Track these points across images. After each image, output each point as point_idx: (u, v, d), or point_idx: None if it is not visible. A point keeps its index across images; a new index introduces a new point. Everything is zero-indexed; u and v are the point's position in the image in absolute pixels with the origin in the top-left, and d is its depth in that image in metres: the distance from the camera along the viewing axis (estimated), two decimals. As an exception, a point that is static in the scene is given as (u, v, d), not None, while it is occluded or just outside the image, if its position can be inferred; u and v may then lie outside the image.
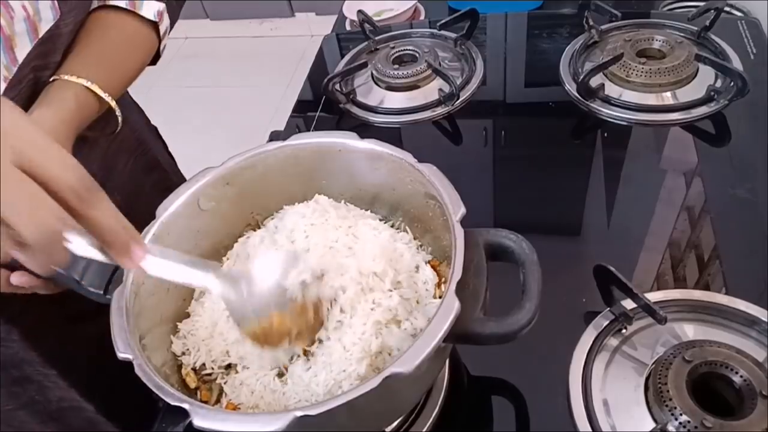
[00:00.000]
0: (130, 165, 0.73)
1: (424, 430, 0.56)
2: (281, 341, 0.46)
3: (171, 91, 2.50)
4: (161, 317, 0.52)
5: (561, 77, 0.90)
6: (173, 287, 0.53)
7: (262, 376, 0.48)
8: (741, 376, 0.50)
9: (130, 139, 0.73)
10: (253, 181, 0.58)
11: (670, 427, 0.49)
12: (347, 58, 1.03)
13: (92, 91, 0.55)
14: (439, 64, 0.93)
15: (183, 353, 0.52)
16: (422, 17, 1.24)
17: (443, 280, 0.53)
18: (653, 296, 0.57)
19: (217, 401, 0.51)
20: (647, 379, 0.53)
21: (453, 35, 1.00)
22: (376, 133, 0.89)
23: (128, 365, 0.43)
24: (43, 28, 0.53)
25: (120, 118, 0.61)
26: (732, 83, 0.80)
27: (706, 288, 0.61)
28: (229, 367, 0.51)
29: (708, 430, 0.47)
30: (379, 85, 0.95)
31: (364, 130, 0.56)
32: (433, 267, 0.55)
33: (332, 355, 0.47)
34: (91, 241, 0.38)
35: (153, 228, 0.52)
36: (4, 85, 0.51)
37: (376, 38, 1.03)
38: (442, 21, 1.00)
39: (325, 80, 0.92)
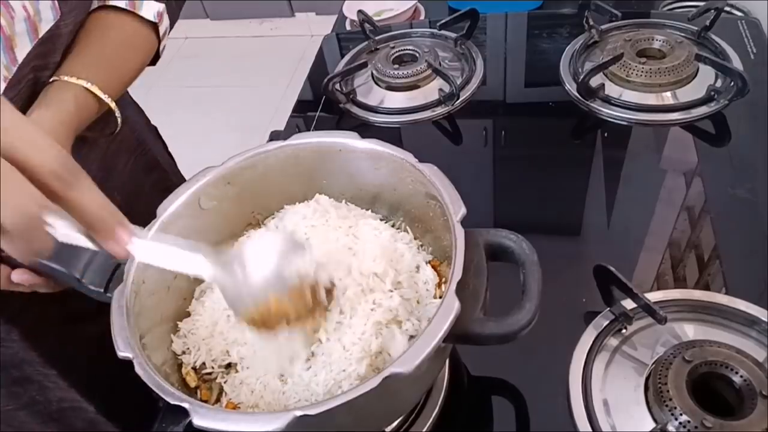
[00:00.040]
0: (130, 165, 0.73)
1: (424, 430, 0.56)
2: (279, 325, 0.45)
3: (171, 91, 2.50)
4: (162, 316, 0.52)
5: (561, 77, 0.90)
6: (174, 286, 0.53)
7: (262, 376, 0.48)
8: (741, 376, 0.50)
9: (129, 139, 0.73)
10: (253, 181, 0.58)
11: (670, 427, 0.49)
12: (347, 58, 1.03)
13: (91, 92, 0.55)
14: (439, 64, 0.93)
15: (183, 352, 0.52)
16: (422, 17, 1.24)
17: (444, 280, 0.53)
18: (653, 296, 0.57)
19: (217, 400, 0.51)
20: (647, 379, 0.53)
21: (453, 35, 1.00)
22: (376, 133, 0.89)
23: (129, 365, 0.43)
24: (43, 28, 0.53)
25: (119, 119, 0.61)
26: (732, 83, 0.80)
27: (706, 288, 0.61)
28: (229, 366, 0.51)
29: (708, 430, 0.47)
30: (379, 85, 0.95)
31: (364, 130, 0.56)
32: (433, 267, 0.55)
33: (332, 354, 0.47)
34: (75, 226, 0.37)
35: (153, 227, 0.52)
36: (3, 85, 0.51)
37: (376, 38, 1.03)
38: (442, 21, 1.00)
39: (325, 80, 0.92)
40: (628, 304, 0.57)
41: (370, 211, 0.59)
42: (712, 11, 0.87)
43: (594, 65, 0.85)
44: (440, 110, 0.90)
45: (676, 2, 1.13)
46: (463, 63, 0.97)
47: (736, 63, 0.84)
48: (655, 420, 0.50)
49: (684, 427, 0.48)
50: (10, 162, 0.32)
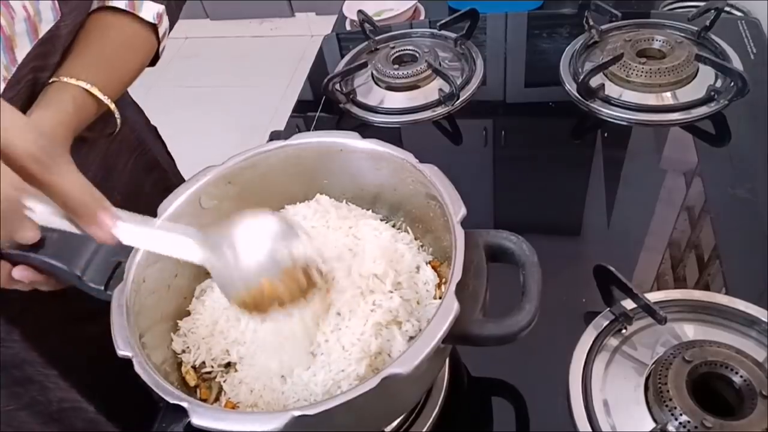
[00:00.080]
0: (130, 165, 0.73)
1: (424, 430, 0.56)
2: (272, 308, 0.44)
3: (171, 91, 2.50)
4: (162, 315, 0.52)
5: (561, 77, 0.90)
6: (174, 285, 0.53)
7: (262, 375, 0.48)
8: (741, 376, 0.50)
9: (129, 139, 0.73)
10: (254, 180, 0.58)
11: (670, 427, 0.49)
12: (347, 58, 1.03)
13: (90, 93, 0.55)
14: (439, 64, 0.93)
15: (183, 351, 0.52)
16: (422, 17, 1.24)
17: (444, 280, 0.53)
18: (653, 296, 0.57)
19: (216, 399, 0.51)
20: (647, 379, 0.53)
21: (453, 35, 1.00)
22: (376, 133, 0.89)
23: (129, 364, 0.43)
24: (43, 28, 0.53)
25: (119, 120, 0.61)
26: (732, 83, 0.80)
27: (706, 288, 0.61)
28: (228, 365, 0.51)
29: (708, 430, 0.47)
30: (379, 85, 0.95)
31: (364, 130, 0.56)
32: (433, 268, 0.55)
33: (331, 355, 0.47)
34: (57, 211, 0.37)
35: None
36: (3, 86, 0.51)
37: (376, 38, 1.03)
38: (442, 21, 1.00)
39: (325, 80, 0.92)
40: (628, 304, 0.57)
41: (370, 211, 0.59)
42: (712, 11, 0.87)
43: (594, 65, 0.85)
44: (440, 110, 0.90)
45: (676, 2, 1.13)
46: (463, 63, 0.97)
47: (736, 63, 0.84)
48: (655, 420, 0.50)
49: (684, 427, 0.48)
50: None
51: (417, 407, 0.57)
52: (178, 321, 0.54)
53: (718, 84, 0.82)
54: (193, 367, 0.52)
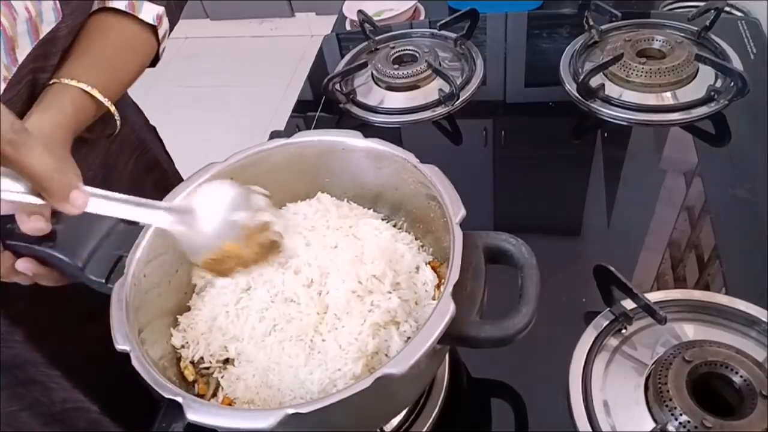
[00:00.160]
0: (131, 165, 0.74)
1: (424, 430, 0.56)
2: (235, 268, 0.48)
3: (171, 91, 2.50)
4: (162, 310, 0.52)
5: (561, 77, 0.90)
6: (175, 280, 0.53)
7: (258, 372, 0.49)
8: (741, 376, 0.50)
9: (130, 139, 0.74)
10: (256, 178, 0.58)
11: (670, 427, 0.49)
12: (347, 58, 1.03)
13: (89, 94, 0.56)
14: (439, 64, 0.93)
15: (182, 346, 0.52)
16: (422, 17, 1.24)
17: (443, 281, 0.53)
18: (653, 296, 0.58)
19: (214, 395, 0.51)
20: (647, 379, 0.53)
21: (453, 35, 1.00)
22: (376, 133, 0.88)
23: (130, 361, 0.43)
24: (44, 29, 0.53)
25: (118, 121, 0.61)
26: (732, 83, 0.80)
27: (706, 288, 0.61)
28: (227, 361, 0.51)
29: (708, 430, 0.47)
30: (379, 85, 0.95)
31: (365, 130, 0.56)
32: (433, 268, 0.55)
33: (328, 353, 0.47)
34: (28, 188, 0.39)
35: None
36: (3, 86, 0.51)
37: (376, 38, 1.03)
38: (442, 21, 1.00)
39: (325, 80, 0.92)
40: (628, 304, 0.57)
41: (371, 210, 0.59)
42: (712, 11, 0.87)
43: (594, 65, 0.85)
44: (440, 110, 0.90)
45: (676, 2, 1.13)
46: (463, 63, 0.97)
47: (736, 63, 0.84)
48: (655, 420, 0.50)
49: (684, 427, 0.48)
50: None
51: (417, 407, 0.57)
52: (177, 316, 0.54)
53: (718, 84, 0.82)
54: (192, 362, 0.52)
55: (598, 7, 0.96)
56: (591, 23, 0.94)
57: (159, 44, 0.65)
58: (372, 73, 0.96)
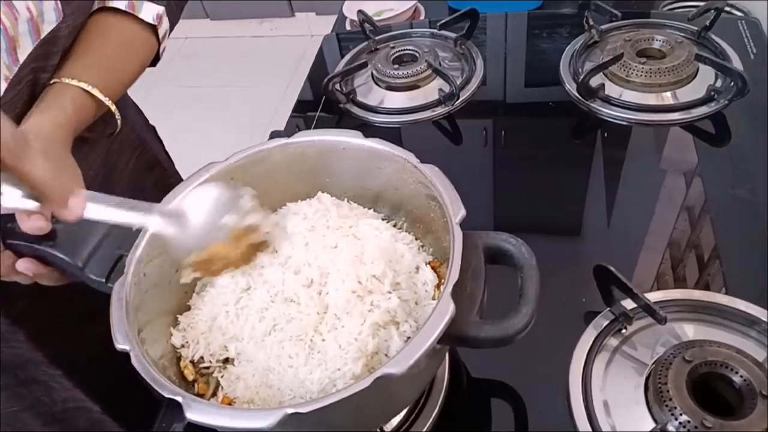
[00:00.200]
0: (132, 164, 0.74)
1: (424, 430, 0.56)
2: (223, 269, 0.50)
3: (171, 91, 2.50)
4: (162, 309, 0.52)
5: (561, 77, 0.90)
6: (175, 279, 0.53)
7: (258, 372, 0.49)
8: (741, 376, 0.50)
9: (130, 139, 0.74)
10: (257, 177, 0.58)
11: (670, 427, 0.49)
12: (347, 58, 1.03)
13: (90, 93, 0.56)
14: (439, 64, 0.93)
15: (182, 345, 0.52)
16: (422, 17, 1.24)
17: (443, 281, 0.53)
18: (653, 296, 0.58)
19: (214, 395, 0.51)
20: (647, 379, 0.53)
21: (453, 35, 1.00)
22: (376, 133, 0.88)
23: (130, 359, 0.43)
24: (45, 29, 0.53)
25: (119, 120, 0.61)
26: (732, 83, 0.80)
27: (706, 288, 0.61)
28: (226, 361, 0.51)
29: (708, 430, 0.47)
30: (379, 85, 0.95)
31: (365, 130, 0.56)
32: (433, 268, 0.55)
33: (328, 353, 0.47)
34: (27, 194, 0.40)
35: None
36: (5, 85, 0.51)
37: (376, 38, 1.03)
38: (442, 21, 1.00)
39: (325, 80, 0.92)
40: (628, 304, 0.57)
41: (372, 210, 0.59)
42: (712, 11, 0.87)
43: (594, 65, 0.85)
44: (440, 110, 0.90)
45: (676, 2, 1.13)
46: (463, 63, 0.97)
47: (736, 63, 0.84)
48: (655, 420, 0.50)
49: (684, 427, 0.48)
50: None
51: (417, 407, 0.57)
52: (177, 316, 0.54)
53: (718, 84, 0.82)
54: (192, 362, 0.52)
55: (598, 7, 0.96)
56: (591, 23, 0.94)
57: (159, 44, 0.65)
58: (372, 73, 0.96)
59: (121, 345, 0.44)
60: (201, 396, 0.50)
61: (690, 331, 0.57)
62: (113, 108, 0.59)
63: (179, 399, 0.40)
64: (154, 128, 0.83)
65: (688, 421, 0.48)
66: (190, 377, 0.51)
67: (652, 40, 0.87)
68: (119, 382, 0.49)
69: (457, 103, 0.89)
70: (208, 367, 0.52)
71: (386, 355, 0.48)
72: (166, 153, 0.86)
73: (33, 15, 0.51)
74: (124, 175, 0.72)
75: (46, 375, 0.61)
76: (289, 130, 0.93)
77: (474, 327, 0.44)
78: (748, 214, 0.69)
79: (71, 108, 0.54)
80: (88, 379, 0.64)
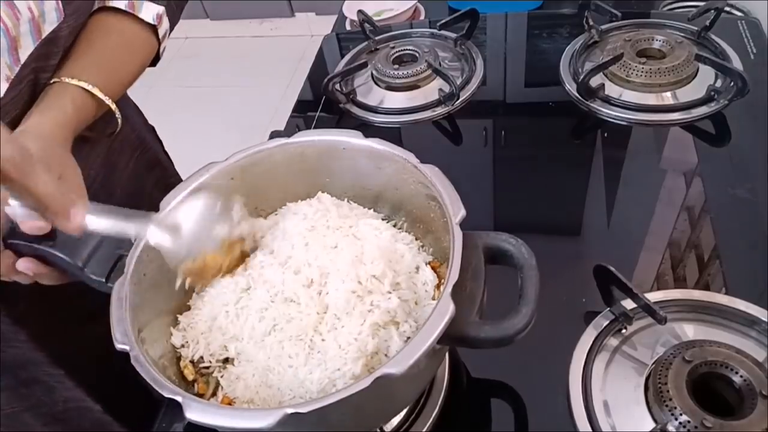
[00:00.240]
0: (132, 164, 0.74)
1: (424, 430, 0.56)
2: (214, 276, 0.52)
3: (171, 91, 2.50)
4: (162, 309, 0.53)
5: (561, 77, 0.90)
6: (175, 279, 0.53)
7: (258, 372, 0.49)
8: (741, 376, 0.50)
9: (131, 138, 0.74)
10: (257, 177, 0.58)
11: (670, 427, 0.49)
12: (347, 58, 1.03)
13: (90, 93, 0.56)
14: (439, 64, 0.93)
15: (182, 345, 0.52)
16: (422, 17, 1.24)
17: (443, 281, 0.53)
18: (653, 296, 0.58)
19: (214, 394, 0.51)
20: (647, 379, 0.53)
21: (453, 35, 1.00)
22: (376, 133, 0.88)
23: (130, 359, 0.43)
24: (47, 29, 0.53)
25: (119, 120, 0.61)
26: (732, 83, 0.80)
27: (706, 288, 0.61)
28: (226, 361, 0.51)
29: (708, 430, 0.47)
30: (379, 85, 0.95)
31: (364, 130, 0.56)
32: (433, 268, 0.55)
33: (328, 353, 0.47)
34: (29, 205, 0.42)
35: None
36: (6, 85, 0.51)
37: (376, 38, 1.03)
38: (442, 21, 1.00)
39: (325, 80, 0.92)
40: (628, 304, 0.57)
41: (372, 210, 0.59)
42: (712, 11, 0.87)
43: (594, 65, 0.85)
44: (440, 110, 0.90)
45: (676, 2, 1.13)
46: (463, 63, 0.97)
47: (736, 63, 0.84)
48: (655, 420, 0.50)
49: (684, 427, 0.48)
50: None
51: (417, 407, 0.57)
52: (177, 315, 0.54)
53: (718, 84, 0.82)
54: (192, 361, 0.52)
55: (598, 7, 0.96)
56: (591, 23, 0.94)
57: (159, 44, 0.65)
58: (372, 73, 0.96)
59: (121, 345, 0.44)
60: (201, 396, 0.50)
61: (690, 331, 0.57)
62: (114, 107, 0.59)
63: (179, 399, 0.40)
64: (153, 128, 0.83)
65: (688, 421, 0.48)
66: (190, 377, 0.51)
67: (652, 40, 0.87)
68: (120, 382, 0.50)
69: (457, 103, 0.89)
70: (208, 367, 0.52)
71: (386, 355, 0.48)
72: (166, 153, 0.86)
73: (34, 15, 0.51)
74: (125, 175, 0.72)
75: (47, 375, 0.61)
76: (289, 130, 0.93)
77: (474, 327, 0.44)
78: (748, 214, 0.69)
79: (71, 107, 0.54)
80: (88, 379, 0.64)
